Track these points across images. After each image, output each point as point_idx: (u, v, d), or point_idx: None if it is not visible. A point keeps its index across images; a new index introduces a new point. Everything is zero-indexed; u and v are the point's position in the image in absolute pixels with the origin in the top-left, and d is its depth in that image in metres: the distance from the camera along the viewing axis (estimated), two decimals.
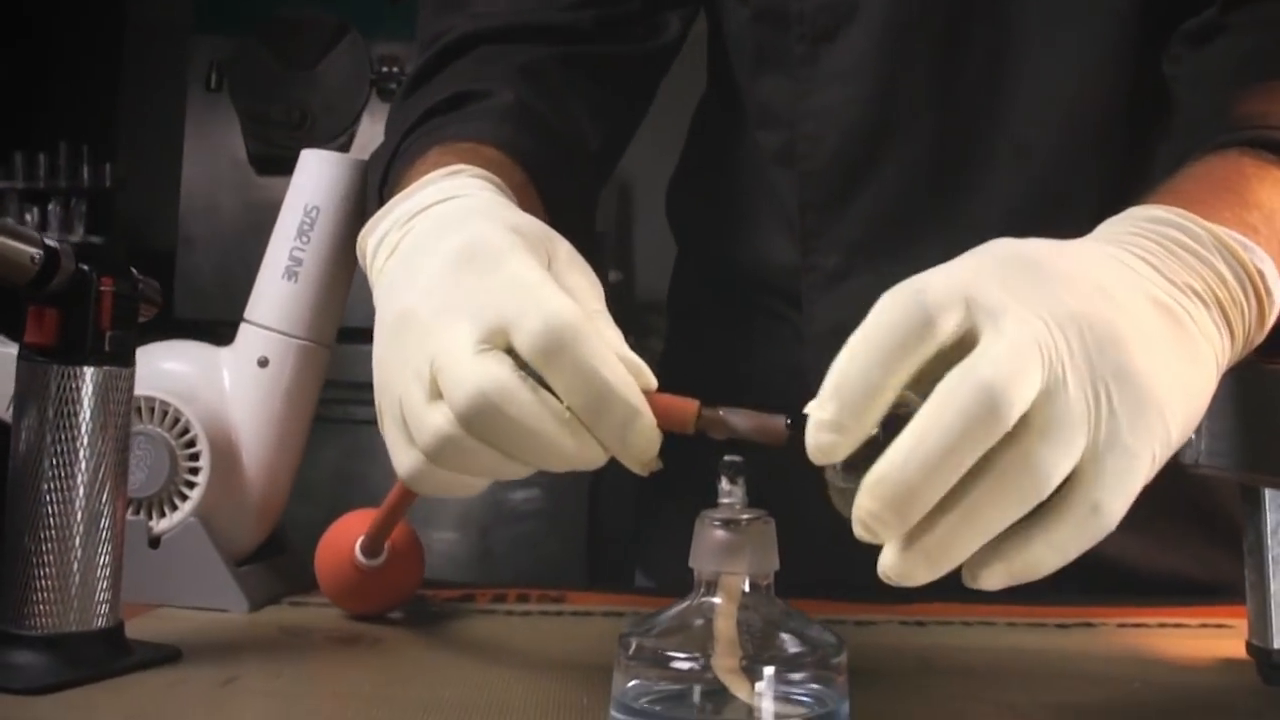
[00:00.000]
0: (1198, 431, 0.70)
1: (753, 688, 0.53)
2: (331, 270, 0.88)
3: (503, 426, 0.55)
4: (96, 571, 0.67)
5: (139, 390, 0.83)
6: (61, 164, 2.91)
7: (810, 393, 0.53)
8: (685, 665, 0.54)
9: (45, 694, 0.63)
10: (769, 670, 0.53)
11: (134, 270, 0.70)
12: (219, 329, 0.92)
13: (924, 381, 0.52)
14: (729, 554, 0.56)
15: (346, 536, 0.82)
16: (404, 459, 0.59)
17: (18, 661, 0.65)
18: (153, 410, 0.85)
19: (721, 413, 0.57)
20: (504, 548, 2.60)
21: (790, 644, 0.55)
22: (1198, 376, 0.56)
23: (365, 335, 0.65)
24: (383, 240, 0.66)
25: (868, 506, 0.51)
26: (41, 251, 0.64)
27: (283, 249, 0.88)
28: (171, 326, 2.86)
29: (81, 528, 0.67)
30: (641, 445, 0.56)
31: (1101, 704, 0.67)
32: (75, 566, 0.67)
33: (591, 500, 2.46)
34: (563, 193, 0.83)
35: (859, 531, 0.52)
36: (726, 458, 0.56)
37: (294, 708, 0.63)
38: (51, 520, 0.66)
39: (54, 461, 0.66)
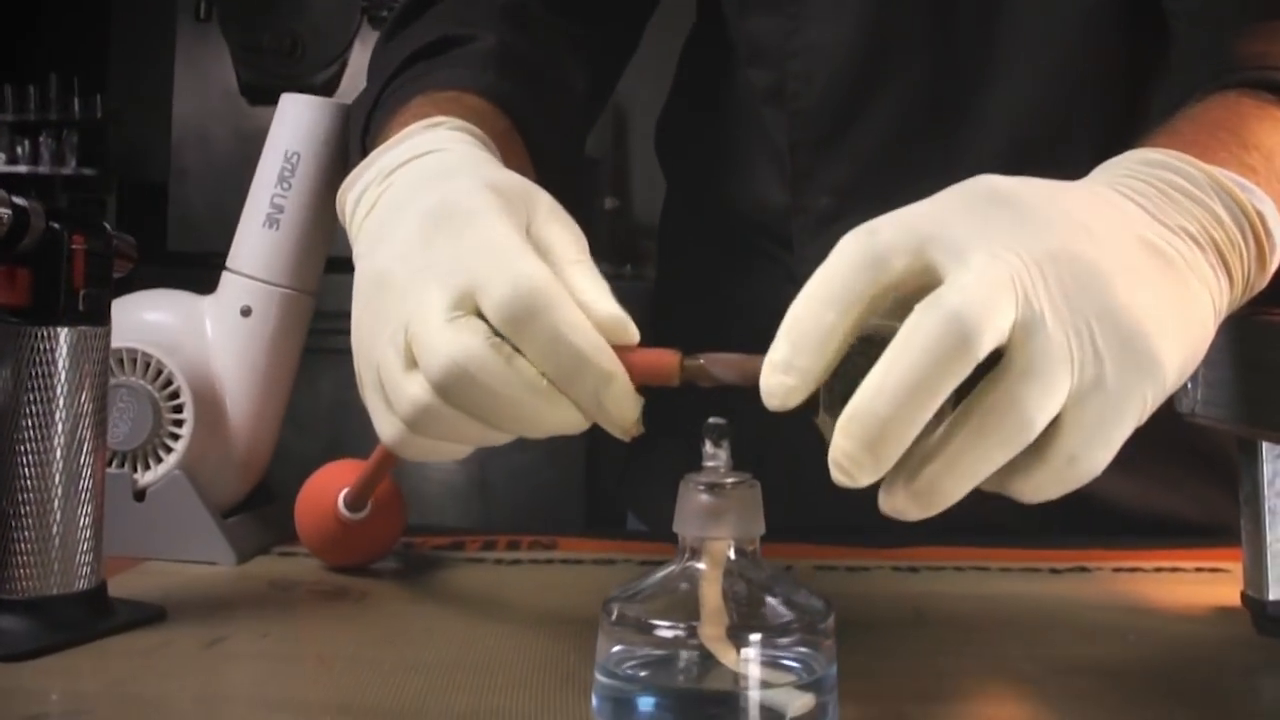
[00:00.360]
0: (1194, 380, 0.69)
1: (739, 654, 0.52)
2: (313, 217, 0.87)
3: (478, 396, 0.53)
4: (77, 533, 0.66)
5: (120, 342, 0.83)
6: (52, 96, 2.88)
7: None
8: (670, 634, 0.53)
9: (27, 659, 0.62)
10: (755, 637, 0.52)
11: (107, 226, 0.68)
12: (212, 260, 0.90)
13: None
14: (713, 519, 0.54)
15: (329, 489, 0.81)
16: (386, 426, 0.58)
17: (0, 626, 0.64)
18: (135, 362, 0.84)
19: (703, 361, 0.56)
20: (502, 477, 2.61)
21: (777, 609, 0.54)
22: (1193, 318, 0.54)
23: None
24: (361, 196, 0.65)
25: (842, 446, 0.50)
26: (10, 211, 0.63)
27: (263, 196, 0.86)
28: (165, 259, 2.85)
29: (60, 489, 0.66)
30: (619, 410, 0.54)
31: (1095, 658, 0.66)
32: (55, 529, 0.66)
33: (587, 436, 2.46)
34: (548, 138, 0.81)
35: (835, 474, 0.50)
36: (710, 420, 0.55)
37: (279, 671, 0.63)
38: (29, 483, 0.65)
39: (29, 424, 0.65)
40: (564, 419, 0.55)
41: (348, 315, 0.60)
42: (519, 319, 0.53)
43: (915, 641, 0.69)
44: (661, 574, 0.56)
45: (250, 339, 0.86)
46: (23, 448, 0.65)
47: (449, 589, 0.79)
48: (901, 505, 0.51)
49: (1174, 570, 0.85)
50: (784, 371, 0.51)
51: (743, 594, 0.54)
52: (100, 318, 0.67)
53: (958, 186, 0.55)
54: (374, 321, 0.57)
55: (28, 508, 0.65)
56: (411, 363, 0.55)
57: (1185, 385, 0.69)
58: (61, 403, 0.65)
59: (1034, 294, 0.50)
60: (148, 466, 0.84)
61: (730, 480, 0.55)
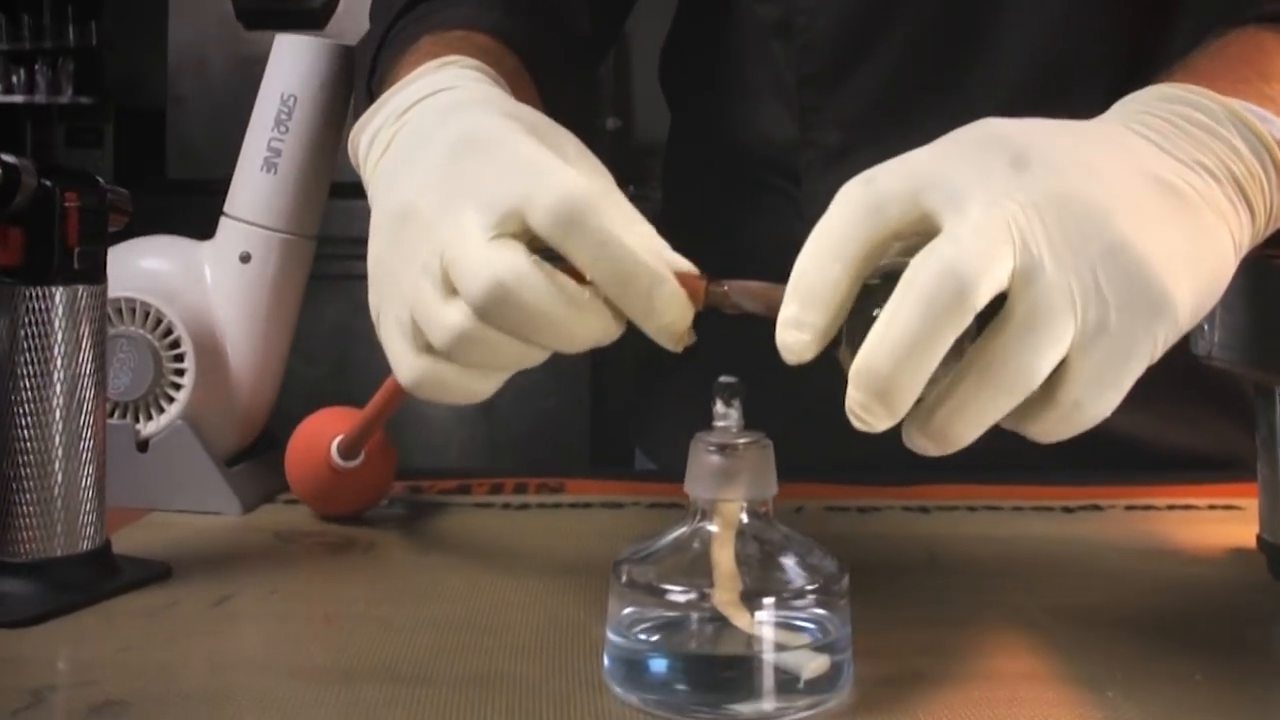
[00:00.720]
0: (1210, 321, 0.67)
1: (753, 618, 0.52)
2: (312, 160, 0.85)
3: (522, 314, 0.52)
4: (79, 493, 0.66)
5: (119, 291, 0.82)
6: (47, 24, 2.84)
7: None
8: (682, 598, 0.52)
9: (33, 625, 0.62)
10: (769, 601, 0.52)
11: (101, 180, 0.67)
12: (213, 187, 0.89)
13: None
14: (725, 480, 0.54)
15: (321, 437, 0.80)
16: (409, 364, 0.56)
17: (3, 590, 0.63)
18: (134, 311, 0.83)
19: (727, 287, 0.55)
20: (508, 401, 2.60)
21: (791, 572, 0.53)
22: (1208, 253, 0.53)
23: (361, 190, 0.63)
24: (375, 137, 0.63)
25: (854, 396, 0.50)
26: (0, 170, 0.61)
27: (260, 140, 0.85)
28: (165, 187, 2.82)
29: (61, 450, 0.65)
30: (671, 314, 0.53)
31: (1109, 606, 0.66)
32: (57, 490, 0.65)
33: (593, 358, 2.45)
34: (556, 78, 0.79)
35: (854, 422, 0.50)
36: (721, 379, 0.54)
37: (286, 633, 0.62)
38: (29, 445, 0.64)
39: (27, 385, 0.64)
40: (603, 329, 0.53)
41: (351, 240, 0.58)
42: (571, 224, 0.52)
43: (929, 590, 0.69)
44: (672, 535, 0.55)
45: (250, 285, 0.85)
46: (21, 409, 0.64)
47: (456, 538, 0.79)
48: (920, 445, 0.51)
49: (1187, 508, 0.84)
50: (796, 328, 0.51)
51: (755, 556, 0.53)
52: (96, 275, 0.66)
53: (959, 131, 0.54)
54: (400, 255, 0.56)
55: (28, 469, 0.64)
56: (449, 290, 0.54)
57: (1201, 327, 0.67)
58: (59, 363, 0.64)
59: (1033, 240, 0.49)
60: (150, 417, 0.84)
61: (742, 440, 0.54)
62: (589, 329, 0.53)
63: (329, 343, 2.41)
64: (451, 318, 0.53)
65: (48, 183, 0.63)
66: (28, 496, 0.64)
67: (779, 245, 0.96)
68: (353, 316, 2.20)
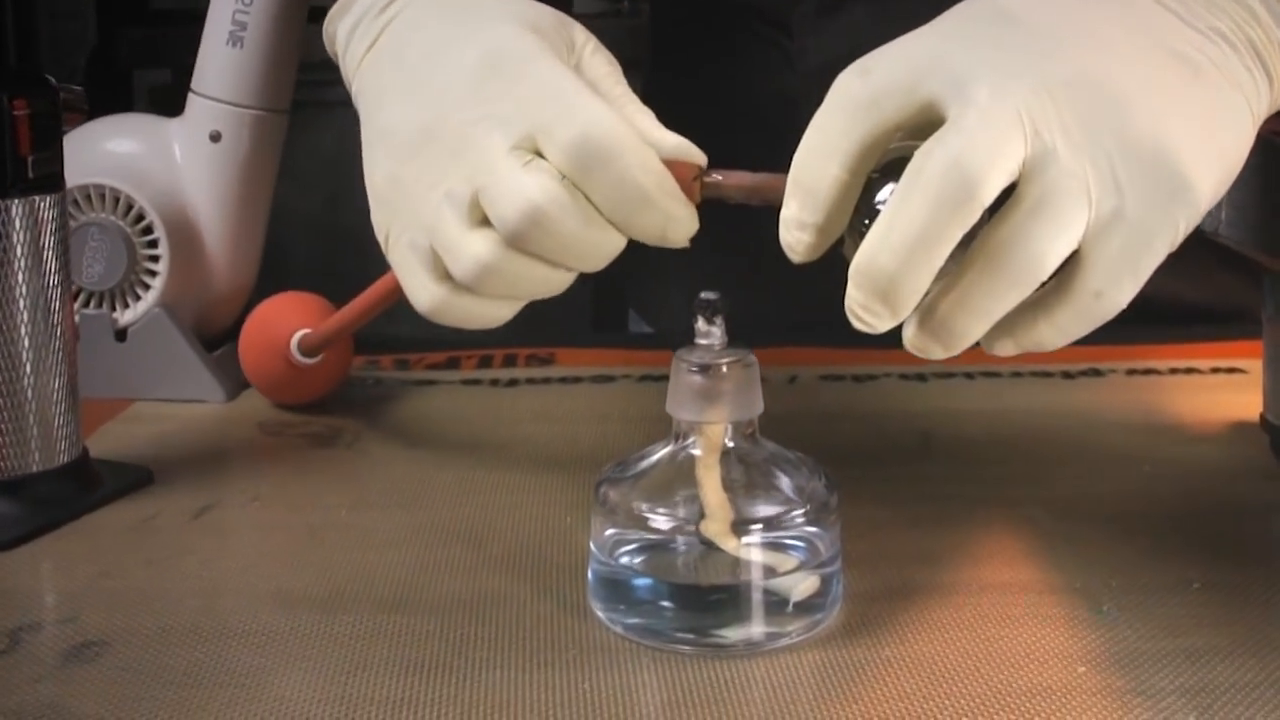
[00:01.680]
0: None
1: (740, 542, 0.50)
2: (280, 30, 0.81)
3: (554, 237, 0.52)
4: (51, 408, 0.64)
5: (86, 178, 0.79)
6: None
7: (803, 125, 0.50)
8: (667, 524, 0.51)
9: (15, 547, 0.61)
10: (758, 526, 0.51)
11: (51, 79, 0.64)
12: (198, 14, 0.83)
13: None
14: (708, 402, 0.52)
15: (279, 328, 0.77)
16: (426, 291, 0.55)
17: None
18: (103, 197, 0.80)
19: (719, 177, 0.54)
20: None
21: (778, 495, 0.52)
22: (1227, 131, 0.50)
23: None
24: (356, 27, 0.61)
25: (854, 295, 0.48)
26: None
27: (224, 12, 0.81)
28: (149, 19, 2.71)
29: (29, 366, 0.63)
30: (679, 240, 0.54)
31: (1108, 499, 0.65)
32: (29, 406, 0.63)
33: None
34: None
35: (853, 322, 0.48)
36: (702, 295, 0.52)
37: (267, 550, 0.61)
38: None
39: None
40: (617, 246, 0.54)
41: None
42: (589, 162, 0.52)
43: (921, 482, 0.67)
44: (655, 456, 0.54)
45: (222, 165, 0.82)
46: None
47: (443, 426, 0.77)
48: (922, 344, 0.49)
49: (1189, 372, 0.83)
50: (798, 228, 0.50)
51: (741, 480, 0.52)
52: (53, 183, 0.63)
53: (961, 8, 0.51)
54: (420, 178, 0.54)
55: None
56: (475, 220, 0.53)
57: None
58: (21, 278, 0.62)
59: (1045, 126, 0.46)
60: (126, 305, 0.82)
61: (725, 360, 0.52)
62: (611, 246, 0.54)
63: (321, 171, 2.37)
64: (477, 246, 0.53)
65: None
66: (1, 414, 0.63)
67: (771, 98, 0.93)
68: (346, 144, 2.15)
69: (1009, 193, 0.47)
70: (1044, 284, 0.48)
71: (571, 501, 0.65)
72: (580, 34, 0.59)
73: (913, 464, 0.70)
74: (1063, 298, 0.48)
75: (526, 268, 0.53)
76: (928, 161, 0.46)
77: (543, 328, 0.90)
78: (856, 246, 0.48)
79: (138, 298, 0.81)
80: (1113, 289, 0.47)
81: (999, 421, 0.75)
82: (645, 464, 0.54)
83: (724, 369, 0.51)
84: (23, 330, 0.63)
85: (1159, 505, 0.64)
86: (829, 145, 0.49)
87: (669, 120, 0.56)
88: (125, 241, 0.80)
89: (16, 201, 0.61)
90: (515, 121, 0.53)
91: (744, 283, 0.70)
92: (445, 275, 0.55)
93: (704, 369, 0.52)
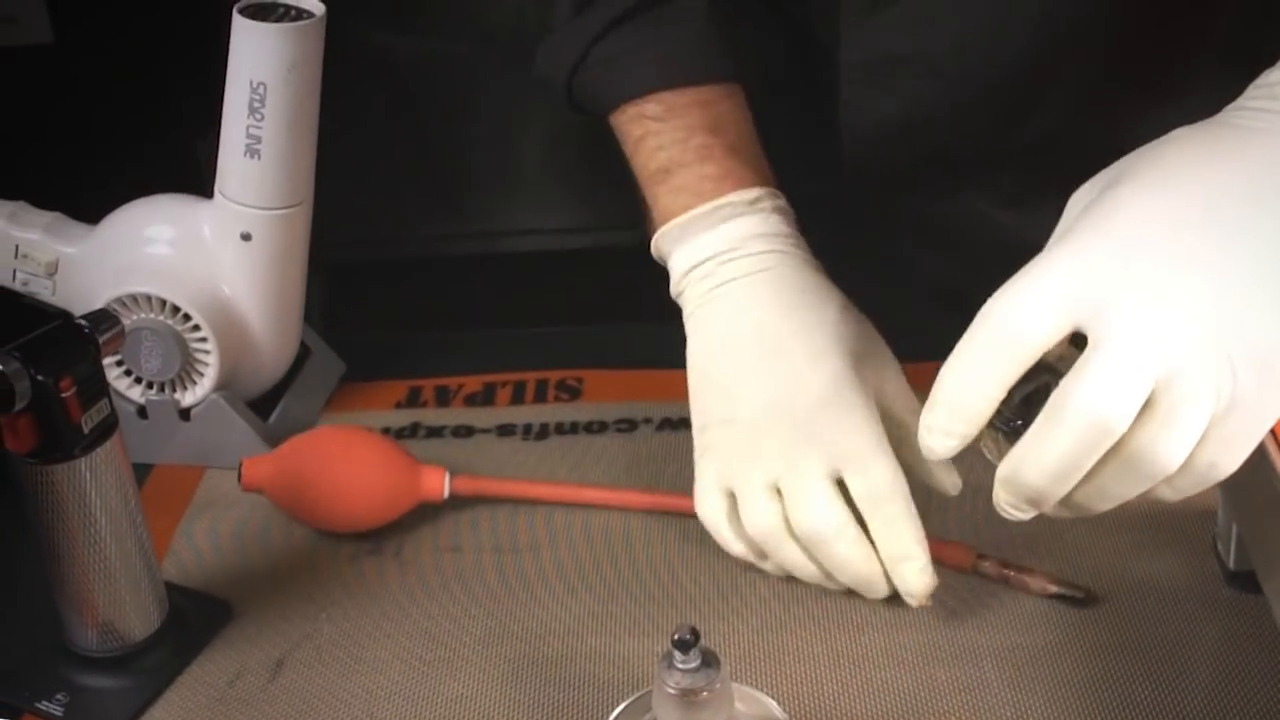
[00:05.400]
0: None
1: None
2: (293, 140, 0.84)
3: (825, 554, 0.71)
4: (140, 591, 0.73)
5: (130, 288, 0.85)
6: None
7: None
8: None
9: None
10: None
11: (84, 325, 0.69)
12: None
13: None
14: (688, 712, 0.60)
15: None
16: (730, 538, 0.75)
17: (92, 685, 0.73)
18: (149, 301, 0.86)
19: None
20: None
21: None
22: None
23: None
24: (692, 273, 0.79)
25: (1003, 497, 0.57)
26: None
27: (238, 127, 0.83)
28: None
29: (120, 568, 0.71)
30: (916, 590, 0.71)
31: None
32: (124, 593, 0.72)
33: None
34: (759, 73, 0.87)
35: (1002, 514, 0.58)
36: (676, 635, 0.58)
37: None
38: (96, 578, 0.71)
39: (82, 539, 0.70)
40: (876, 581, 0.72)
41: None
42: (878, 502, 0.70)
43: None
44: None
45: (255, 262, 0.87)
46: (83, 559, 0.70)
47: (486, 535, 0.83)
48: (1053, 514, 0.58)
49: None
50: (945, 435, 0.57)
51: None
52: (108, 429, 0.69)
53: (1096, 218, 0.55)
54: (756, 442, 0.73)
55: (101, 589, 0.72)
56: (776, 494, 0.72)
57: None
58: (100, 514, 0.69)
59: (1178, 348, 0.52)
60: (185, 388, 0.89)
61: (701, 686, 0.59)
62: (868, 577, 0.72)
63: None
64: (766, 522, 0.72)
65: (40, 377, 0.66)
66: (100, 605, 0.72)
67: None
68: None
69: None
70: None
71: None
72: (889, 364, 0.76)
73: None
74: (1183, 472, 0.54)
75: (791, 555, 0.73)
76: (1064, 404, 0.53)
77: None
78: (993, 442, 0.58)
79: (194, 382, 0.89)
80: (1227, 461, 0.54)
81: None
82: None
83: (702, 694, 0.59)
84: (112, 552, 0.71)
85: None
86: (983, 372, 0.55)
87: None
88: (175, 339, 0.87)
89: (81, 460, 0.68)
90: (834, 450, 0.71)
91: None
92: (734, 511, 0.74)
93: (683, 693, 0.59)
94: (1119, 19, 0.78)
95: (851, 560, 0.71)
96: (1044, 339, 0.54)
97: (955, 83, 0.85)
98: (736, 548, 0.74)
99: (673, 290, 0.81)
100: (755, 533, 0.72)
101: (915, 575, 0.70)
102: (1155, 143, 0.58)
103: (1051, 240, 0.57)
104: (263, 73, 0.81)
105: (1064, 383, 0.53)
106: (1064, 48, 0.81)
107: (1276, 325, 0.53)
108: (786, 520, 0.71)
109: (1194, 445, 0.53)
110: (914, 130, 0.88)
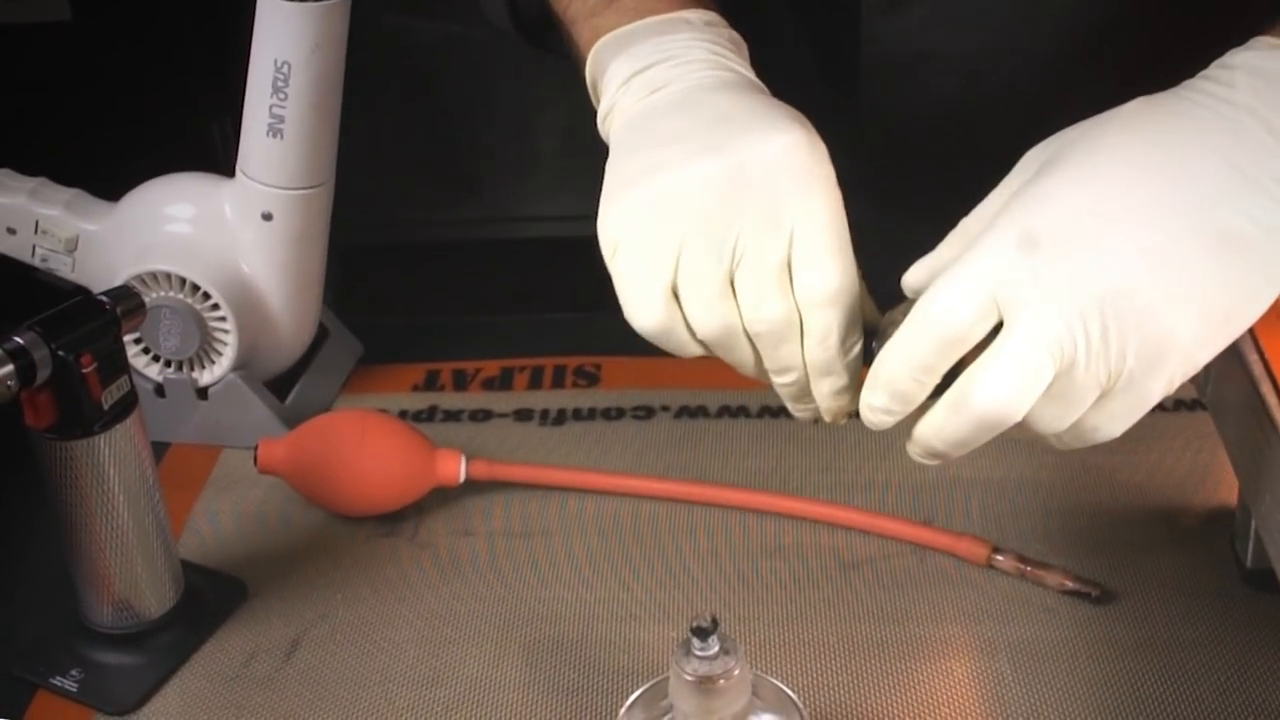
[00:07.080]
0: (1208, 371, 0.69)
1: None
2: (316, 119, 0.84)
3: (772, 348, 0.63)
4: (156, 568, 0.73)
5: (151, 265, 0.85)
6: None
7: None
8: None
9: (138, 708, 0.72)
10: None
11: (105, 301, 0.69)
12: None
13: None
14: (705, 698, 0.60)
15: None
16: (650, 312, 0.63)
17: (107, 662, 0.73)
18: (169, 278, 0.86)
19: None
20: None
21: None
22: (1249, 308, 0.57)
23: None
24: (635, 78, 0.68)
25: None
26: (12, 366, 0.64)
27: (261, 106, 0.83)
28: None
29: (136, 545, 0.72)
30: (827, 404, 0.64)
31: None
32: (140, 569, 0.73)
33: None
34: None
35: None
36: (695, 622, 0.58)
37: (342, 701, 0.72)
38: (112, 555, 0.71)
39: (100, 516, 0.70)
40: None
41: None
42: (819, 305, 0.62)
43: None
44: None
45: (276, 242, 0.87)
46: (96, 534, 0.70)
47: (501, 520, 0.83)
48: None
49: None
50: (884, 413, 0.59)
51: None
52: (128, 405, 0.70)
53: (1014, 216, 0.57)
54: (731, 212, 0.62)
55: (117, 566, 0.72)
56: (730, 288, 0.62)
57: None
58: (118, 489, 0.70)
59: (1072, 346, 0.54)
60: (203, 366, 0.89)
61: (719, 673, 0.59)
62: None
63: None
64: (727, 317, 0.62)
65: (61, 353, 0.66)
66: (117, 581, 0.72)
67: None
68: None
69: None
70: None
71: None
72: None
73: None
74: (1070, 430, 0.57)
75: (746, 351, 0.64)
76: (971, 389, 0.56)
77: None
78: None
79: (213, 361, 0.89)
80: (1109, 429, 0.58)
81: None
82: None
83: (719, 681, 0.59)
84: (129, 526, 0.71)
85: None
86: (915, 360, 0.57)
87: None
88: (194, 317, 0.87)
89: (100, 436, 0.69)
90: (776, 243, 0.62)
91: None
92: (671, 298, 0.63)
93: (700, 680, 0.59)
94: (1142, 22, 0.78)
95: (797, 360, 0.63)
96: (968, 330, 0.56)
97: (976, 82, 0.84)
98: (693, 349, 0.65)
99: (602, 112, 0.70)
100: (708, 335, 0.63)
101: (829, 394, 0.63)
102: (1099, 119, 0.60)
103: (985, 204, 0.62)
104: (287, 52, 0.81)
105: (970, 369, 0.56)
106: (1087, 51, 0.81)
107: (1172, 318, 0.55)
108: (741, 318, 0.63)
109: (1079, 417, 0.56)
110: (933, 128, 0.88)
